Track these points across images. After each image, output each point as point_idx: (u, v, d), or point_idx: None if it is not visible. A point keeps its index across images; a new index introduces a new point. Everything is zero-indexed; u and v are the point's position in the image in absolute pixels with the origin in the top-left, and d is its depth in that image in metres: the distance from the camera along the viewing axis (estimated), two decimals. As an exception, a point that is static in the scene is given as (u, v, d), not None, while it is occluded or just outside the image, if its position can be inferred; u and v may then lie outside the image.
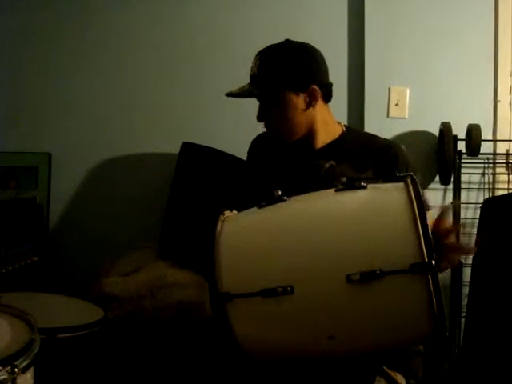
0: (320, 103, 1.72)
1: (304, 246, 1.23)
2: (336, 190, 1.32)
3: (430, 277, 1.12)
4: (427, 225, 1.15)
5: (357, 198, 1.30)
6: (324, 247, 1.21)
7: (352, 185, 1.30)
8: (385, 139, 1.83)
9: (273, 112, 1.71)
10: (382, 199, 1.29)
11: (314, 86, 1.69)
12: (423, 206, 1.18)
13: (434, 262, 1.12)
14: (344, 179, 1.32)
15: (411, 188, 1.22)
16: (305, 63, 1.71)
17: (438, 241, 1.27)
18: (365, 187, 1.30)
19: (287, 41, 1.73)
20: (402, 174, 1.30)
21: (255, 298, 1.19)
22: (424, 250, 1.13)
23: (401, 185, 1.26)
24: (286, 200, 1.34)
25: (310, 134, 1.75)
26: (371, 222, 1.22)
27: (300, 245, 1.23)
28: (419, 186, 1.23)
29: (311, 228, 1.26)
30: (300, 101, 1.70)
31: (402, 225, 1.17)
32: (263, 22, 2.58)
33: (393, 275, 1.13)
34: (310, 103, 1.70)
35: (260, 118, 1.75)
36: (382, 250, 1.17)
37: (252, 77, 1.72)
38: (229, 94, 1.76)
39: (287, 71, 1.68)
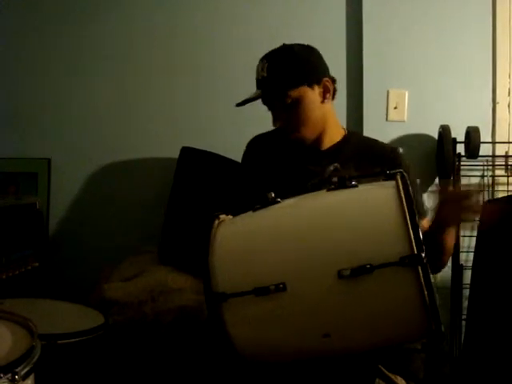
0: (330, 98, 1.76)
1: (295, 244, 1.24)
2: (327, 190, 1.34)
3: (420, 269, 1.13)
4: (416, 218, 1.16)
5: (347, 196, 1.31)
6: (315, 244, 1.23)
7: (343, 184, 1.32)
8: (387, 144, 1.86)
9: (290, 111, 1.70)
10: (371, 195, 1.30)
11: (327, 79, 1.73)
12: (412, 200, 1.19)
13: (423, 255, 1.13)
14: (335, 179, 1.33)
15: (400, 183, 1.23)
16: (313, 57, 1.74)
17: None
18: (356, 186, 1.31)
19: (285, 44, 1.74)
20: (392, 171, 1.31)
21: (249, 296, 1.21)
22: (413, 242, 1.14)
23: (391, 182, 1.28)
24: (279, 202, 1.35)
25: (321, 133, 1.77)
26: (361, 218, 1.24)
27: (291, 243, 1.25)
28: (408, 181, 1.24)
29: (302, 227, 1.27)
30: (315, 94, 1.71)
31: (390, 219, 1.19)
32: (261, 27, 2.58)
33: (383, 269, 1.14)
34: (324, 96, 1.73)
35: (277, 121, 1.73)
36: (372, 245, 1.19)
37: (261, 81, 1.71)
38: (241, 103, 1.75)
39: (299, 66, 1.69)
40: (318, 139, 1.77)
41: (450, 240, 1.62)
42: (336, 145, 1.79)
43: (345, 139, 1.81)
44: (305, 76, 1.70)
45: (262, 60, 1.72)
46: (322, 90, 1.72)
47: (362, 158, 1.75)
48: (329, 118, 1.77)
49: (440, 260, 1.66)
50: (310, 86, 1.70)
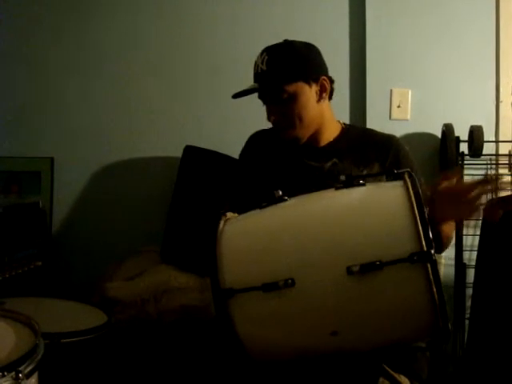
0: (327, 98, 1.75)
1: (304, 241, 1.24)
2: (336, 189, 1.35)
3: (429, 266, 1.13)
4: (425, 215, 1.16)
5: (355, 194, 1.32)
6: (324, 241, 1.23)
7: (351, 182, 1.32)
8: (383, 133, 1.84)
9: (285, 106, 1.70)
10: (380, 193, 1.31)
11: (325, 78, 1.72)
12: (421, 197, 1.19)
13: (432, 252, 1.13)
14: (343, 177, 1.33)
15: (409, 182, 1.24)
16: (313, 56, 1.74)
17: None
18: (363, 184, 1.32)
19: (287, 40, 1.74)
20: (400, 171, 1.32)
21: (257, 292, 1.20)
22: (423, 239, 1.14)
23: (399, 181, 1.28)
24: (286, 200, 1.36)
25: (317, 131, 1.76)
26: (370, 215, 1.24)
27: (300, 239, 1.25)
28: (417, 180, 1.25)
29: (311, 223, 1.27)
30: (312, 92, 1.71)
31: (400, 216, 1.19)
32: (265, 24, 2.58)
33: (392, 265, 1.15)
34: (321, 95, 1.72)
35: (272, 117, 1.72)
36: (381, 242, 1.19)
37: (260, 74, 1.70)
38: (237, 95, 1.74)
39: (298, 61, 1.69)
40: (315, 137, 1.77)
41: (446, 230, 1.58)
42: (333, 141, 1.79)
43: (342, 134, 1.81)
44: (302, 72, 1.69)
45: (261, 53, 1.72)
46: (318, 88, 1.72)
47: (360, 151, 1.75)
48: (325, 116, 1.76)
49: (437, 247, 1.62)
50: (307, 82, 1.69)
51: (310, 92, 1.70)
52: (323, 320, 1.22)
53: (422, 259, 1.14)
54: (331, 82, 1.75)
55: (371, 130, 1.88)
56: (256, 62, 1.72)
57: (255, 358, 1.28)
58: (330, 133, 1.79)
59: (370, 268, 1.15)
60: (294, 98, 1.68)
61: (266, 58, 1.69)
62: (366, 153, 1.74)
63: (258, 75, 1.72)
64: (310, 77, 1.70)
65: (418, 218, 1.15)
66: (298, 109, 1.69)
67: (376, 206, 1.27)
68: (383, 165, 1.72)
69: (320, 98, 1.73)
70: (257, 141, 1.91)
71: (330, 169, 1.73)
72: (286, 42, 1.73)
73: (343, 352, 1.32)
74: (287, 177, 1.74)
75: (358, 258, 1.16)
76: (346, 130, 1.83)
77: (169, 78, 2.65)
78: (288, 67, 1.68)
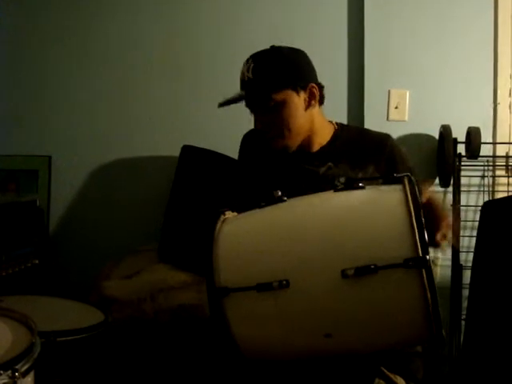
0: (316, 104, 1.72)
1: (300, 242, 1.25)
2: (335, 191, 1.34)
3: (424, 271, 1.13)
4: (422, 221, 1.16)
5: (354, 197, 1.32)
6: (320, 243, 1.23)
7: (350, 185, 1.32)
8: (376, 133, 1.81)
9: (273, 115, 1.66)
10: (378, 198, 1.31)
11: (313, 85, 1.69)
12: (419, 204, 1.19)
13: (428, 258, 1.13)
14: (343, 180, 1.33)
15: (407, 187, 1.24)
16: (301, 62, 1.70)
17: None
18: (363, 187, 1.32)
19: (274, 46, 1.70)
20: (399, 175, 1.31)
21: (251, 292, 1.21)
22: (418, 245, 1.14)
23: (398, 185, 1.28)
24: (285, 200, 1.36)
25: (308, 137, 1.74)
26: (367, 218, 1.24)
27: (296, 241, 1.25)
28: (415, 185, 1.25)
29: (309, 225, 1.28)
30: (301, 100, 1.67)
31: (397, 221, 1.19)
32: (264, 25, 2.58)
33: (387, 270, 1.15)
34: (309, 103, 1.69)
35: (259, 125, 1.69)
36: (377, 246, 1.19)
37: (246, 82, 1.66)
38: (223, 103, 1.70)
39: (286, 69, 1.65)
40: (307, 143, 1.74)
41: None
42: (326, 145, 1.76)
43: (334, 137, 1.77)
44: (290, 79, 1.65)
45: (247, 61, 1.67)
46: (307, 95, 1.68)
47: (354, 153, 1.73)
48: (315, 123, 1.73)
49: None
50: (295, 90, 1.65)
51: (298, 100, 1.66)
52: (317, 322, 1.22)
53: (417, 265, 1.14)
54: (320, 88, 1.72)
55: (365, 130, 1.86)
56: (242, 70, 1.67)
57: (249, 357, 1.29)
58: (322, 137, 1.76)
59: (364, 271, 1.15)
60: (281, 106, 1.64)
61: (252, 65, 1.64)
62: (361, 155, 1.72)
63: (244, 83, 1.67)
64: (299, 84, 1.66)
65: (414, 223, 1.16)
66: (285, 117, 1.66)
67: (374, 209, 1.27)
68: (378, 166, 1.70)
69: (309, 106, 1.69)
70: (250, 141, 1.89)
71: (325, 173, 1.71)
72: (272, 48, 1.69)
73: (337, 354, 1.32)
74: (282, 179, 1.72)
75: (353, 260, 1.16)
76: (338, 131, 1.79)
77: (167, 78, 2.65)
78: (275, 75, 1.63)
